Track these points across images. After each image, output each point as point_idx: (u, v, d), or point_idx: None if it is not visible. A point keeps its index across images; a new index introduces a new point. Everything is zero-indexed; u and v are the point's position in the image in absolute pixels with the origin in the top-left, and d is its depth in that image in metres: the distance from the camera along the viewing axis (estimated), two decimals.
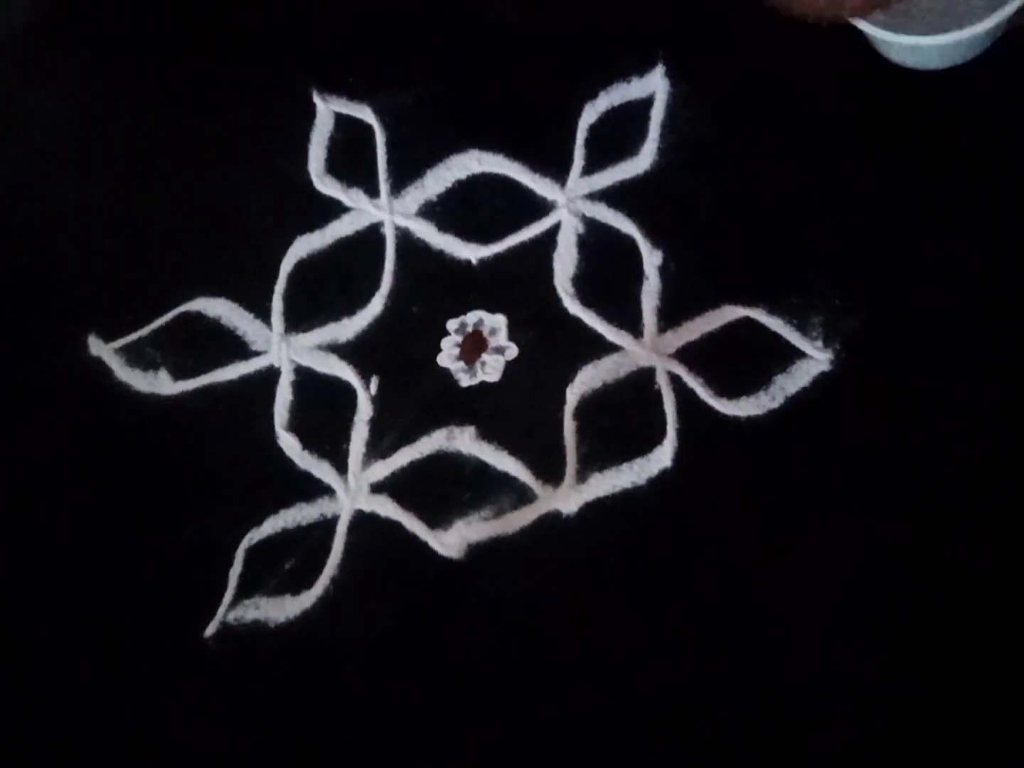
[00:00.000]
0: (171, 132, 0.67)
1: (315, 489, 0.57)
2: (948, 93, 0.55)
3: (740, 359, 0.53)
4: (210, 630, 0.55)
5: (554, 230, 0.59)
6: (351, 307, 0.60)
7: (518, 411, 0.56)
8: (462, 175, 0.61)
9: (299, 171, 0.63)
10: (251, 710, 0.53)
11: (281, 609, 0.55)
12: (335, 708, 0.52)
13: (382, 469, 0.56)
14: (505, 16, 0.65)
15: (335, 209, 0.62)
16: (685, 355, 0.54)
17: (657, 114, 0.59)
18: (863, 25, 0.51)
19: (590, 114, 0.60)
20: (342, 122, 0.65)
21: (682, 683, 0.49)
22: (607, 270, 0.57)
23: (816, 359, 0.52)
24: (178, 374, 0.61)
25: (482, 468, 0.55)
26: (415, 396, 0.57)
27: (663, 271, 0.56)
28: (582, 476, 0.53)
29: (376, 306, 0.60)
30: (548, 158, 0.60)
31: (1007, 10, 0.46)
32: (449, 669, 0.52)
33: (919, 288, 0.53)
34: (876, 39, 0.52)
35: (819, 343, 0.53)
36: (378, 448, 0.57)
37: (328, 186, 0.63)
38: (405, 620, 0.53)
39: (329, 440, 0.58)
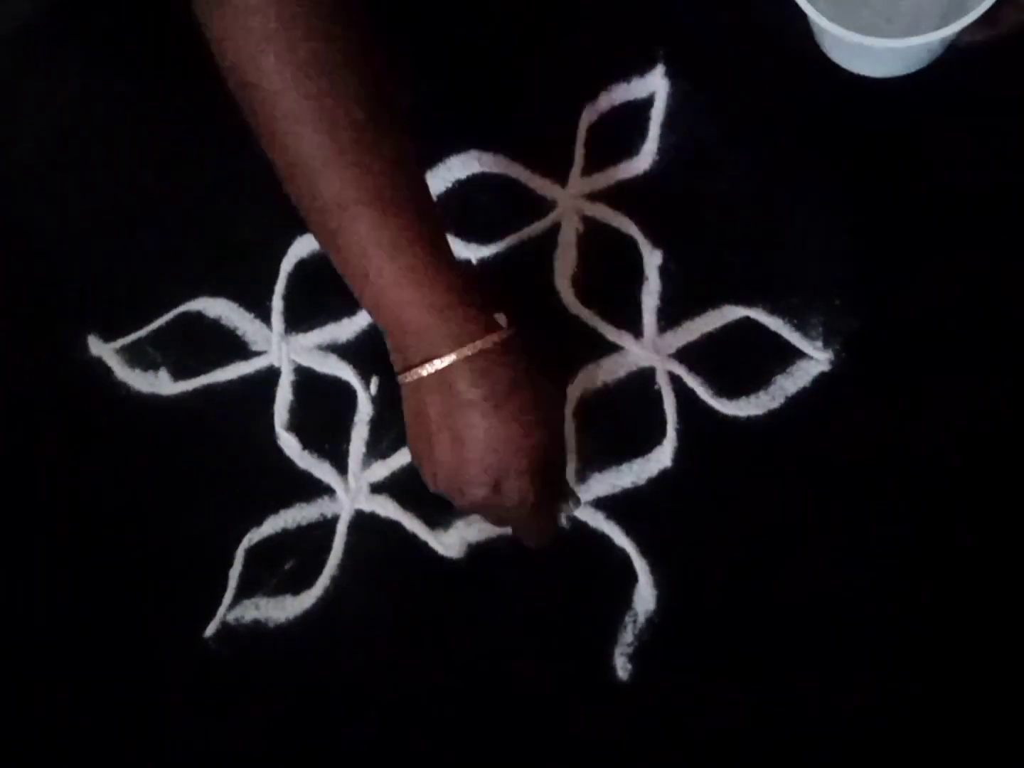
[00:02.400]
0: (171, 132, 0.67)
1: (315, 489, 0.57)
2: (951, 99, 0.55)
3: (740, 359, 0.53)
4: (210, 630, 0.55)
5: (554, 230, 0.59)
6: (351, 307, 0.60)
7: None
8: (462, 175, 0.61)
9: None
10: (251, 710, 0.53)
11: (281, 609, 0.55)
12: (335, 707, 0.52)
13: (382, 469, 0.56)
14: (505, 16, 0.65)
15: None
16: (685, 355, 0.54)
17: (657, 114, 0.59)
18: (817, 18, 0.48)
19: (590, 114, 0.60)
20: None
21: (680, 682, 0.49)
22: (607, 270, 0.57)
23: (816, 359, 0.52)
24: (178, 374, 0.61)
25: None
26: None
27: (663, 271, 0.56)
28: (582, 476, 0.53)
29: None
30: (548, 158, 0.60)
31: (962, 21, 0.46)
32: (449, 668, 0.52)
33: (918, 288, 0.53)
34: (827, 40, 0.51)
35: (819, 343, 0.53)
36: (378, 448, 0.57)
37: None
38: (405, 620, 0.53)
39: (329, 440, 0.58)
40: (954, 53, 0.51)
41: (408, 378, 0.44)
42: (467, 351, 0.43)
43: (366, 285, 0.44)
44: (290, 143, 0.43)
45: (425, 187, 0.47)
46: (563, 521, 0.52)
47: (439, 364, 0.43)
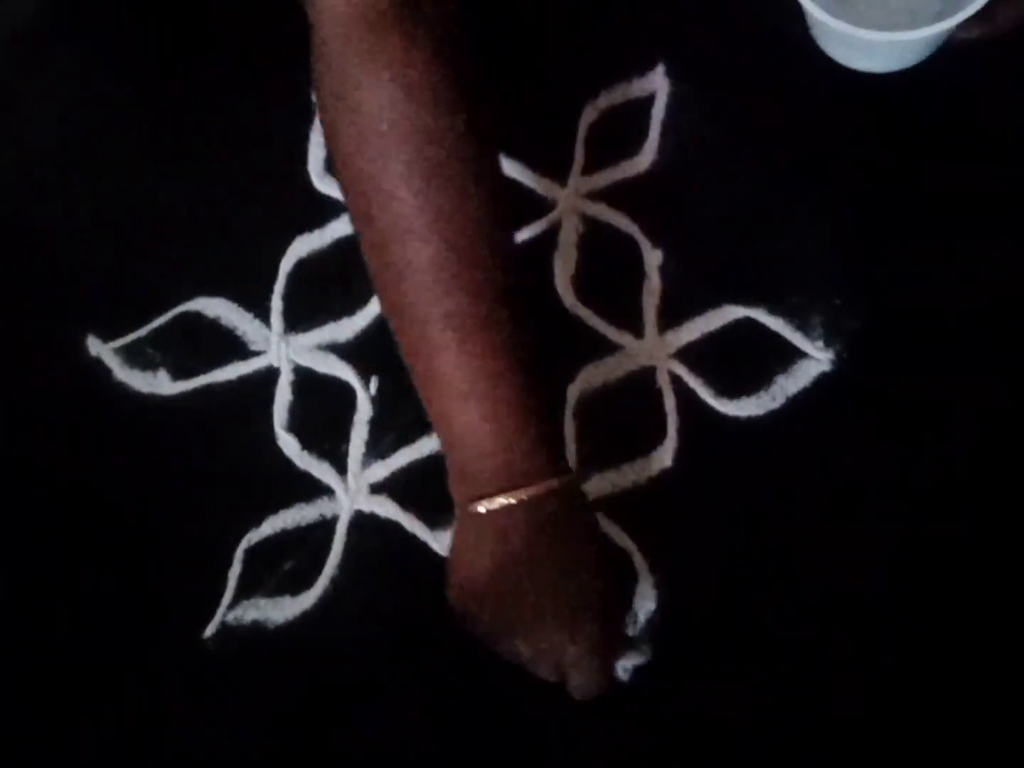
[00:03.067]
0: (171, 131, 0.67)
1: (314, 489, 0.57)
2: (950, 98, 0.55)
3: (741, 359, 0.53)
4: (209, 631, 0.55)
5: (554, 229, 0.58)
6: (351, 307, 0.60)
7: None
8: None
9: (299, 170, 0.63)
10: (251, 710, 0.53)
11: (280, 610, 0.54)
12: (334, 709, 0.52)
13: (382, 469, 0.56)
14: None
15: (335, 208, 0.62)
16: (686, 355, 0.54)
17: (658, 113, 0.59)
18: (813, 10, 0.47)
19: (591, 113, 0.60)
20: None
21: (680, 682, 0.49)
22: (607, 270, 0.57)
23: (817, 359, 0.52)
24: (177, 374, 0.61)
25: None
26: (415, 396, 0.57)
27: (663, 271, 0.56)
28: (583, 476, 0.53)
29: (376, 306, 0.59)
30: (548, 157, 0.60)
31: (960, 16, 0.46)
32: (449, 669, 0.52)
33: (919, 288, 0.53)
34: (826, 34, 0.50)
35: (820, 343, 0.53)
36: (378, 448, 0.57)
37: (328, 185, 0.62)
38: (405, 620, 0.53)
39: (329, 440, 0.58)
40: (952, 51, 0.51)
41: (480, 507, 0.43)
42: (554, 483, 0.43)
43: (460, 406, 0.44)
44: (404, 254, 0.42)
45: (526, 307, 0.46)
46: (620, 673, 0.48)
47: (524, 494, 0.43)
